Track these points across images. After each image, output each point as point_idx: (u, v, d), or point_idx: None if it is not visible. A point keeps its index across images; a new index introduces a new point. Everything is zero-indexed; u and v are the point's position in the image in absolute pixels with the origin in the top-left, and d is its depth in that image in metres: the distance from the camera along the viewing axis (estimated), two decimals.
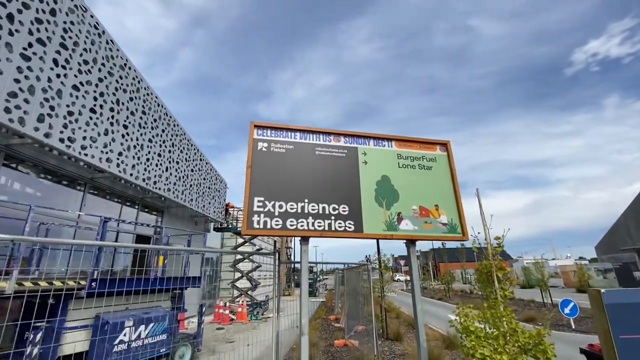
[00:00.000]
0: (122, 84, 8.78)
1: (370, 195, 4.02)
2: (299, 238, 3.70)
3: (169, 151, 11.31)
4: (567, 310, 11.25)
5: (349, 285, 9.62)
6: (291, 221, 3.63)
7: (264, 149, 3.89)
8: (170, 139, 11.43)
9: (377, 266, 10.89)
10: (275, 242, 22.50)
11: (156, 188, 10.34)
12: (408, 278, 52.39)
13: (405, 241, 4.09)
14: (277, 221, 3.58)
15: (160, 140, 10.66)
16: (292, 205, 3.70)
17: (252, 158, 3.80)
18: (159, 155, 10.60)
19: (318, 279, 29.09)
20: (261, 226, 3.52)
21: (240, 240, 17.65)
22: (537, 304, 17.74)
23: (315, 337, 9.57)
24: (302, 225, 3.64)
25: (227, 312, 13.77)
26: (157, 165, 10.41)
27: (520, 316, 13.06)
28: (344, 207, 3.85)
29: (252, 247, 17.67)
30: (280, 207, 3.66)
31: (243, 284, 16.98)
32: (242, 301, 14.52)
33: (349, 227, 3.78)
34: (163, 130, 10.91)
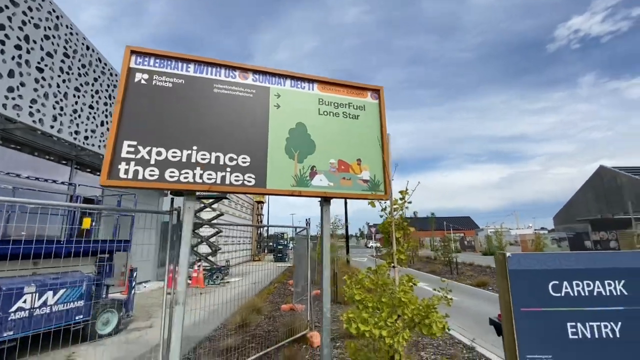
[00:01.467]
0: (31, 17, 7.39)
1: (280, 145, 3.38)
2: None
3: (105, 104, 10.08)
4: None
5: (297, 251, 9.31)
6: (172, 172, 2.96)
7: (143, 81, 3.10)
8: (107, 90, 10.16)
9: (340, 231, 10.67)
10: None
11: (88, 144, 9.26)
12: (379, 245, 54.12)
13: (319, 199, 3.56)
14: (152, 171, 2.90)
15: (91, 90, 9.41)
16: (175, 152, 3.01)
17: (125, 92, 3.02)
18: (91, 107, 9.39)
19: (287, 244, 29.12)
20: (130, 176, 2.82)
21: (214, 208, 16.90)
22: (492, 269, 18.48)
23: (265, 302, 9.36)
24: (186, 177, 2.99)
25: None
26: (88, 118, 9.25)
27: (474, 281, 13.44)
28: (244, 158, 3.20)
29: (213, 212, 17.03)
30: (159, 154, 2.96)
31: (219, 251, 16.51)
32: (199, 266, 14.10)
33: (248, 181, 3.16)
34: (96, 79, 9.61)
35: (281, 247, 27.87)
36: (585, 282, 1.96)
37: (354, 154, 3.63)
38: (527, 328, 1.93)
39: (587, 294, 1.95)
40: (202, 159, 3.07)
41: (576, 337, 1.91)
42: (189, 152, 3.05)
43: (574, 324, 1.92)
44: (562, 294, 1.96)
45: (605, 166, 30.64)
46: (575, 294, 1.95)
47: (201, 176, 3.03)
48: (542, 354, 1.90)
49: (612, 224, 25.99)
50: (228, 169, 3.12)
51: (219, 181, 3.07)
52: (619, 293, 1.94)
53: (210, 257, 15.55)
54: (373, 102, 3.93)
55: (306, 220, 7.07)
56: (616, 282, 1.95)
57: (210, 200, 16.56)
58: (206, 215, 17.46)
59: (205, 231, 16.73)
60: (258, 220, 31.80)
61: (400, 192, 2.57)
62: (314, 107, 3.64)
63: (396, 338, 1.93)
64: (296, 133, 3.48)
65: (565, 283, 1.97)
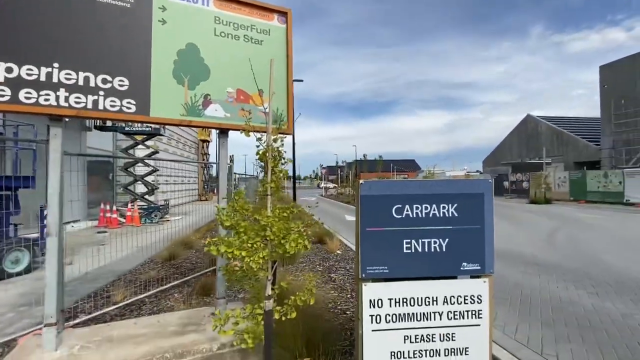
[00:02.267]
0: None
1: (166, 68, 3.06)
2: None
3: None
4: None
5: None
6: (28, 93, 2.57)
7: None
8: None
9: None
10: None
11: None
12: (330, 185, 56.30)
13: (217, 130, 3.42)
14: (1, 91, 2.48)
15: None
16: (30, 69, 2.58)
17: None
18: None
19: (235, 184, 28.95)
20: None
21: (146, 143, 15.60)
22: None
23: (202, 238, 9.47)
24: (47, 100, 2.62)
25: (114, 215, 12.83)
26: None
27: None
28: (121, 81, 2.86)
29: (147, 149, 15.91)
30: (9, 70, 2.52)
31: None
32: (134, 205, 13.56)
33: (128, 108, 2.88)
34: None
35: (229, 187, 27.65)
36: (424, 205, 2.21)
37: (256, 84, 3.44)
38: (370, 245, 2.17)
39: (424, 215, 2.21)
40: (67, 78, 2.68)
41: (409, 251, 2.20)
42: (49, 69, 2.63)
43: (409, 240, 2.20)
44: (403, 216, 2.19)
45: (531, 114, 33.75)
46: (414, 216, 2.20)
47: (67, 99, 2.68)
48: (380, 266, 2.18)
49: (529, 167, 29.56)
50: (101, 93, 2.79)
51: (90, 106, 2.75)
52: (450, 215, 2.23)
53: (147, 196, 14.96)
54: (280, 27, 3.65)
55: (230, 157, 6.90)
56: (449, 205, 2.22)
57: (143, 137, 15.33)
58: (143, 153, 16.31)
59: (143, 170, 15.77)
60: (204, 160, 30.63)
61: (275, 122, 2.54)
62: (209, 27, 3.28)
63: (254, 257, 2.06)
64: (186, 55, 3.15)
65: (407, 206, 2.19)
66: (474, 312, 2.25)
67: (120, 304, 4.30)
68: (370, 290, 2.18)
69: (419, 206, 2.20)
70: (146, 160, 16.23)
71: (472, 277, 2.30)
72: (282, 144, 2.53)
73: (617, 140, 23.06)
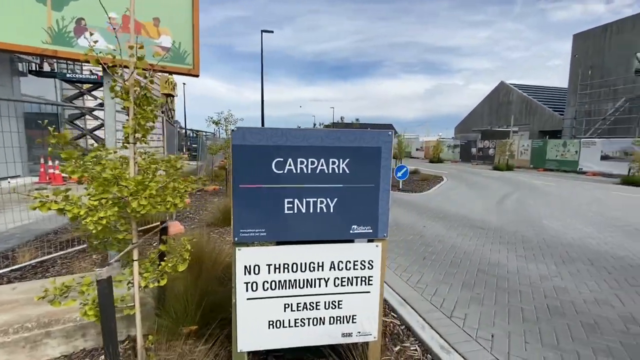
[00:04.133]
0: None
1: None
2: None
3: None
4: (399, 174, 12.94)
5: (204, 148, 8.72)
6: None
7: None
8: None
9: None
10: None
11: None
12: None
13: (101, 68, 2.84)
14: None
15: None
16: None
17: None
18: None
19: (205, 142, 27.61)
20: None
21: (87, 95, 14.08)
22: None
23: None
24: None
25: (56, 171, 11.86)
26: None
27: None
28: None
29: (95, 100, 14.48)
30: None
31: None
32: None
33: None
34: None
35: (196, 145, 26.43)
36: (310, 159, 1.87)
37: (150, 10, 2.83)
38: (245, 204, 1.84)
39: (309, 171, 1.88)
40: None
41: (291, 212, 1.89)
42: None
43: (291, 200, 1.88)
44: (285, 171, 1.86)
45: (504, 82, 33.84)
46: (298, 171, 1.87)
47: None
48: (256, 228, 1.87)
49: (497, 134, 30.21)
50: None
51: None
52: (341, 171, 1.92)
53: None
54: None
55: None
56: (340, 160, 1.90)
57: (90, 86, 13.87)
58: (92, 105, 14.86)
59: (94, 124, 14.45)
60: (168, 117, 28.78)
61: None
62: None
63: (91, 216, 1.69)
64: None
65: (290, 160, 1.85)
66: (364, 279, 2.04)
67: (16, 266, 3.88)
68: (244, 256, 1.89)
69: (304, 160, 1.87)
70: (96, 113, 14.88)
71: (369, 241, 2.06)
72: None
73: (579, 111, 23.72)
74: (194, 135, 30.79)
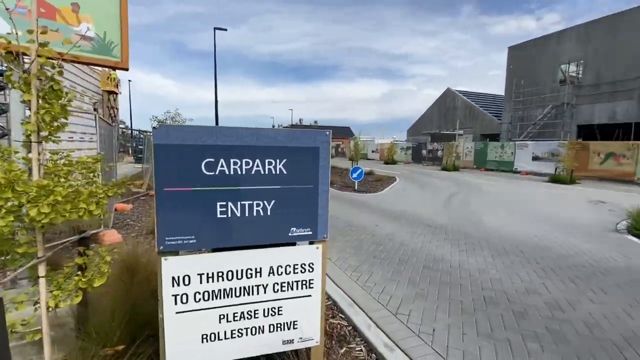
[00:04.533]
0: None
1: None
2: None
3: None
4: (354, 175, 13.19)
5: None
6: None
7: None
8: None
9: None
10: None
11: None
12: None
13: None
14: None
15: None
16: None
17: None
18: None
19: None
20: None
21: None
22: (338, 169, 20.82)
23: None
24: None
25: None
26: None
27: None
28: None
29: None
30: None
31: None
32: None
33: None
34: None
35: (142, 146, 24.65)
36: (245, 160, 1.77)
37: None
38: (171, 209, 1.69)
39: (244, 172, 1.78)
40: None
41: (225, 216, 1.77)
42: None
43: (224, 203, 1.77)
44: (217, 173, 1.73)
45: (451, 88, 36.30)
46: (231, 173, 1.76)
47: None
48: (184, 235, 1.72)
49: (445, 137, 32.24)
50: None
51: None
52: (278, 172, 1.84)
53: None
54: None
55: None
56: (277, 160, 1.83)
57: None
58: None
59: None
60: (110, 116, 26.50)
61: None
62: None
63: None
64: None
65: (222, 161, 1.73)
66: (304, 282, 1.98)
67: None
68: (172, 266, 1.73)
69: (238, 161, 1.76)
70: None
71: (310, 243, 2.00)
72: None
73: (514, 116, 26.17)
74: (141, 136, 28.75)
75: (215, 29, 20.69)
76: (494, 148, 23.68)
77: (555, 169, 17.69)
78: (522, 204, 9.75)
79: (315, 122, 68.09)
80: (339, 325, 2.90)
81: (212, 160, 1.72)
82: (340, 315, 3.09)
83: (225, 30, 21.41)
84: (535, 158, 20.67)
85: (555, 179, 16.21)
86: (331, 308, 3.20)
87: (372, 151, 40.06)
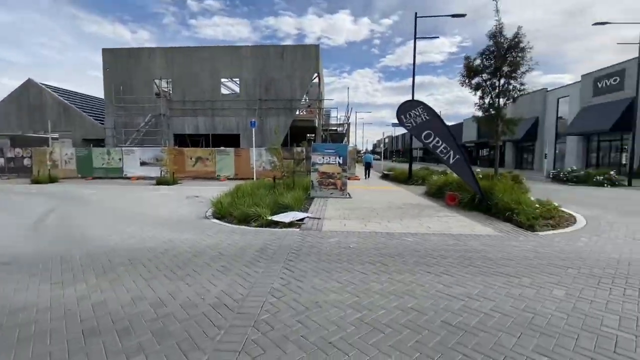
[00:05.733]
0: None
1: None
2: None
3: None
4: None
5: None
6: None
7: None
8: None
9: None
10: None
11: None
12: None
13: None
14: None
15: None
16: None
17: None
18: None
19: None
20: None
21: None
22: None
23: None
24: None
25: None
26: None
27: None
28: None
29: None
30: None
31: None
32: None
33: None
34: None
35: None
36: None
37: None
38: None
39: None
40: None
41: None
42: None
43: None
44: None
45: (33, 80, 28.79)
46: None
47: None
48: None
49: (33, 141, 25.21)
50: None
51: None
52: None
53: None
54: None
55: None
56: None
57: None
58: None
59: None
60: None
61: None
62: None
63: None
64: None
65: None
66: None
67: None
68: None
69: None
70: None
71: None
72: None
73: (118, 121, 25.76)
74: None
75: None
76: (100, 154, 22.01)
77: (161, 172, 19.69)
78: (131, 209, 9.77)
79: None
80: None
81: None
82: None
83: None
84: (142, 163, 21.70)
85: (160, 182, 17.97)
86: None
87: None
